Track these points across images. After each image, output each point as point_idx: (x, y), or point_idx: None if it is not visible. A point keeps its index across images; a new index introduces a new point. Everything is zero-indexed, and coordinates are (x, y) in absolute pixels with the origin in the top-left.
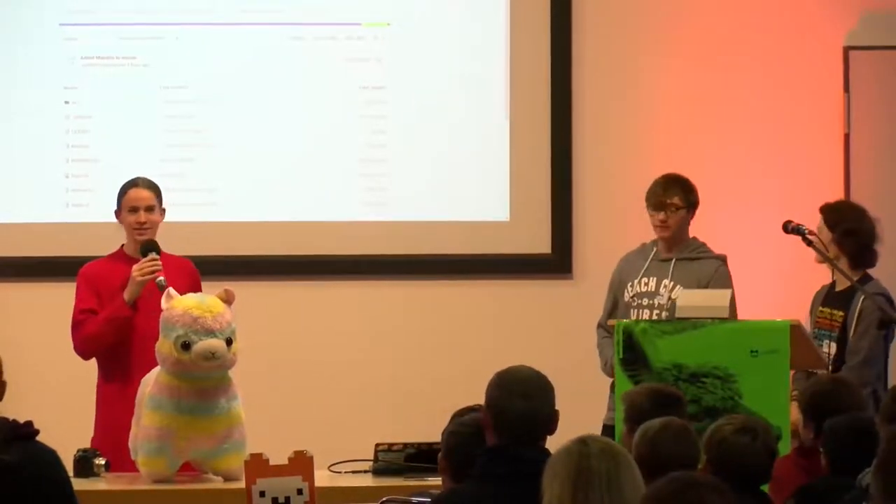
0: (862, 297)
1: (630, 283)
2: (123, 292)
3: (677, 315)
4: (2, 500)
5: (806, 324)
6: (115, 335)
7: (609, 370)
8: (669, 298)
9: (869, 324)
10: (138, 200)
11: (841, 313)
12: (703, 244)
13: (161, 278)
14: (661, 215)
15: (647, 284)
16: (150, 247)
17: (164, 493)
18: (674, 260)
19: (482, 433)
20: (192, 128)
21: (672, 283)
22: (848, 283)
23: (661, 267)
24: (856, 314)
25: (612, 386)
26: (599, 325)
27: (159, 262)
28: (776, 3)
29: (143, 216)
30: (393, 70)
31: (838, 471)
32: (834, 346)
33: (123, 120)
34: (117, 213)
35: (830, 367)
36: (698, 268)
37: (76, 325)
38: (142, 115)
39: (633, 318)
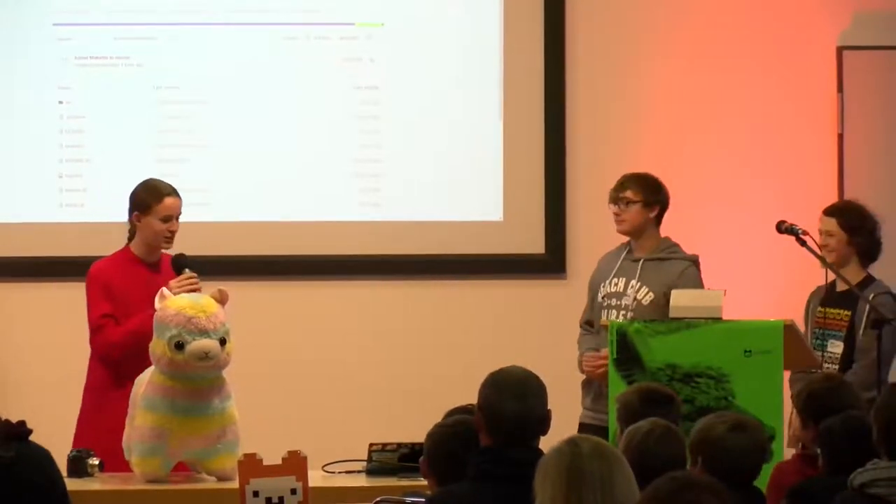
0: (871, 296)
1: (603, 284)
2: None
3: (671, 315)
4: None
5: (800, 324)
6: (141, 347)
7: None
8: (635, 299)
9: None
10: (174, 209)
11: (847, 313)
12: (676, 245)
13: None
14: (615, 208)
15: (616, 285)
16: (184, 262)
17: (158, 494)
18: (642, 260)
19: (463, 434)
20: (186, 128)
21: (639, 283)
22: (853, 282)
23: (630, 267)
24: (864, 314)
25: (583, 384)
26: (581, 325)
27: (197, 281)
28: (770, 3)
29: (175, 225)
30: (387, 70)
31: (834, 470)
32: (842, 345)
33: (117, 120)
34: (139, 216)
35: (839, 367)
36: (666, 268)
37: (97, 330)
38: (136, 115)
39: (604, 318)
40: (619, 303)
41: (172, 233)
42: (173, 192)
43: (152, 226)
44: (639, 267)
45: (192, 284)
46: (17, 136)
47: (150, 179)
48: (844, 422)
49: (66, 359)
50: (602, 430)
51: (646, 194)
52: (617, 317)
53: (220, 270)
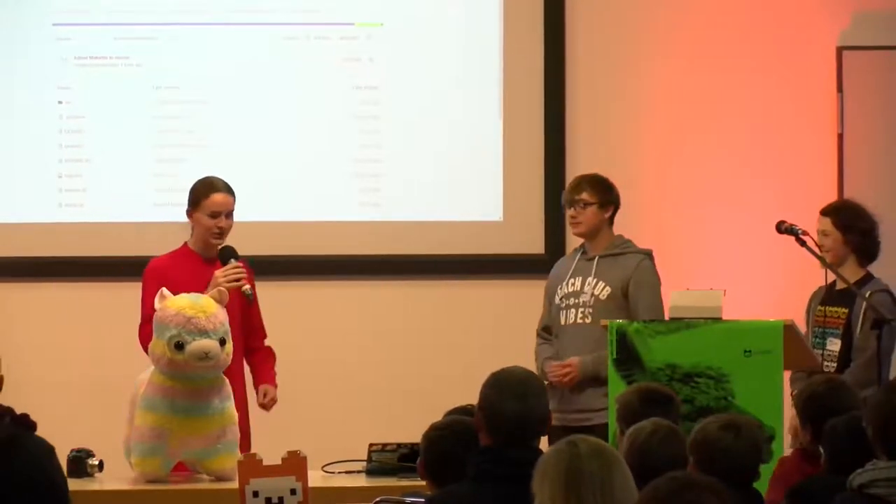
0: (868, 294)
1: (560, 286)
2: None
3: (670, 315)
4: None
5: (801, 324)
6: None
7: (542, 374)
8: (593, 295)
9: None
10: (222, 206)
11: (845, 310)
12: (629, 241)
13: (247, 287)
14: (571, 211)
15: (573, 285)
16: (231, 254)
17: (158, 494)
18: (597, 258)
19: (458, 435)
20: (185, 128)
21: (595, 280)
22: (851, 280)
23: (586, 266)
24: (861, 312)
25: (547, 388)
26: (538, 333)
27: (243, 270)
28: (770, 3)
29: (223, 222)
30: (387, 70)
31: (835, 469)
32: (839, 343)
33: (117, 120)
34: (190, 211)
35: (836, 364)
36: (621, 263)
37: (149, 320)
38: (135, 116)
39: (563, 320)
40: (577, 301)
41: (221, 229)
42: (224, 189)
43: (201, 221)
44: (594, 264)
45: (236, 273)
46: (17, 136)
47: (208, 176)
48: (848, 422)
49: (66, 359)
50: (569, 430)
51: (601, 195)
52: (576, 315)
53: None
